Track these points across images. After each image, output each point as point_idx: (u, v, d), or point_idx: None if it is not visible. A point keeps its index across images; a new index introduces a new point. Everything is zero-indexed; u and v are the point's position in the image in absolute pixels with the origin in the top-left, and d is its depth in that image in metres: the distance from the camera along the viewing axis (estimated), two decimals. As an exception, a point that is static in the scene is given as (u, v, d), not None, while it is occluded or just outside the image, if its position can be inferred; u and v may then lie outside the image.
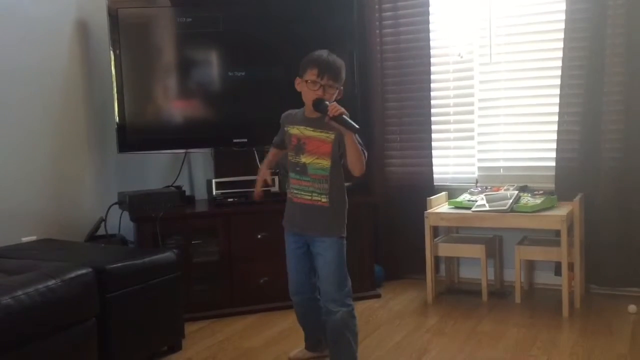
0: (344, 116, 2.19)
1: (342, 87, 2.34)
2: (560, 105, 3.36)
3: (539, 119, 3.56)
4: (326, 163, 2.32)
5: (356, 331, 2.38)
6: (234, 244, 3.27)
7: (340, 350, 2.36)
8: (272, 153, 2.59)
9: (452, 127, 3.81)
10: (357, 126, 2.20)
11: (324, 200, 2.34)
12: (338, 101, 2.30)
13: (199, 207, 3.54)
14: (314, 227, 2.37)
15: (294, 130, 2.37)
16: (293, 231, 2.45)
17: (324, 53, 2.31)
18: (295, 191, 2.39)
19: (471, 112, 3.74)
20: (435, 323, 3.06)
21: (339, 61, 2.31)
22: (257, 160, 3.50)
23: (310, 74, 2.27)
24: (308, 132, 2.34)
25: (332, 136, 2.30)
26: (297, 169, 2.36)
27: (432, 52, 3.70)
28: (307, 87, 2.28)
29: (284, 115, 2.46)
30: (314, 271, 2.45)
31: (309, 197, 2.35)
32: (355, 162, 2.26)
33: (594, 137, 3.29)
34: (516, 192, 3.29)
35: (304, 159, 2.34)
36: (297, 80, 2.33)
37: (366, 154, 2.30)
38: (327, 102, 2.24)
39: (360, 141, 2.30)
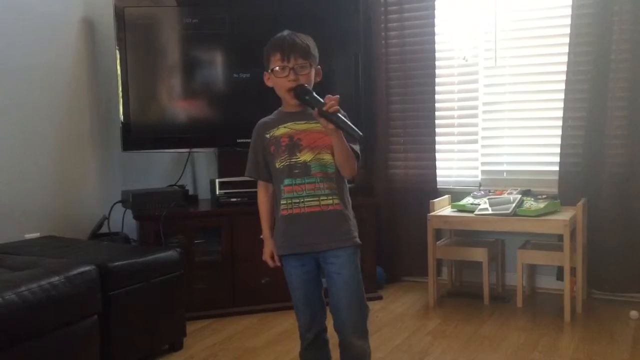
0: (341, 116, 1.83)
1: (319, 66, 1.99)
2: (565, 110, 3.36)
3: (543, 124, 3.56)
4: (329, 157, 1.95)
5: None
6: (237, 244, 3.28)
7: None
8: (263, 201, 2.07)
9: (456, 130, 3.82)
10: (360, 132, 1.84)
11: (336, 202, 1.96)
12: (318, 83, 1.98)
13: (202, 206, 3.55)
14: (327, 239, 1.96)
15: (282, 130, 1.97)
16: (296, 252, 1.99)
17: (283, 33, 1.96)
18: (295, 201, 1.95)
19: (475, 116, 3.74)
20: (437, 326, 3.06)
21: (302, 36, 1.95)
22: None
23: (275, 61, 1.92)
24: (300, 126, 1.96)
25: None
26: (296, 171, 1.94)
27: (437, 55, 3.70)
28: (276, 76, 1.92)
29: (258, 125, 2.04)
30: (324, 295, 2.05)
31: (317, 203, 1.94)
32: (344, 163, 1.93)
33: (598, 142, 3.29)
34: (519, 196, 3.29)
35: (304, 157, 1.94)
36: (266, 76, 1.99)
37: (359, 154, 1.96)
38: (313, 93, 1.89)
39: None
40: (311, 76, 1.95)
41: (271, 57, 1.94)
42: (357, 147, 1.95)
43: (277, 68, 1.92)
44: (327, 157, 1.95)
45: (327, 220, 1.96)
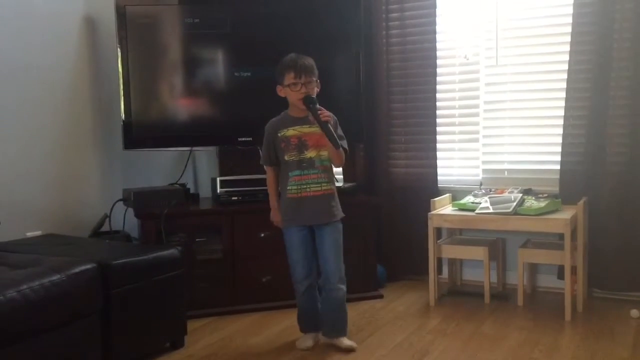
0: (329, 126, 2.54)
1: (318, 80, 2.63)
2: (566, 108, 3.35)
3: (544, 122, 3.56)
4: (326, 153, 2.63)
5: None
6: (238, 242, 3.28)
7: (344, 320, 2.73)
8: (272, 180, 2.73)
9: (457, 129, 3.81)
10: (339, 142, 2.54)
11: (331, 187, 2.67)
12: (319, 92, 2.63)
13: (203, 205, 3.56)
14: (325, 216, 2.65)
15: (291, 132, 2.63)
16: (301, 225, 2.66)
17: (293, 56, 2.60)
18: (303, 186, 2.62)
19: (476, 114, 3.74)
20: (437, 324, 3.07)
21: (308, 59, 2.61)
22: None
23: (289, 78, 2.58)
24: (305, 129, 2.63)
25: None
26: (304, 164, 2.62)
27: (438, 53, 3.69)
28: (290, 89, 2.58)
29: (270, 125, 2.69)
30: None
31: (319, 188, 2.63)
32: (334, 157, 2.62)
33: (599, 141, 3.29)
34: (520, 194, 3.29)
35: (310, 154, 2.62)
36: (279, 88, 2.63)
37: (347, 149, 2.64)
38: (317, 103, 2.55)
39: (342, 134, 2.65)
40: (315, 88, 2.62)
41: (285, 74, 2.59)
42: (345, 143, 2.64)
43: (292, 84, 2.57)
44: (325, 153, 2.64)
45: (325, 201, 2.65)
